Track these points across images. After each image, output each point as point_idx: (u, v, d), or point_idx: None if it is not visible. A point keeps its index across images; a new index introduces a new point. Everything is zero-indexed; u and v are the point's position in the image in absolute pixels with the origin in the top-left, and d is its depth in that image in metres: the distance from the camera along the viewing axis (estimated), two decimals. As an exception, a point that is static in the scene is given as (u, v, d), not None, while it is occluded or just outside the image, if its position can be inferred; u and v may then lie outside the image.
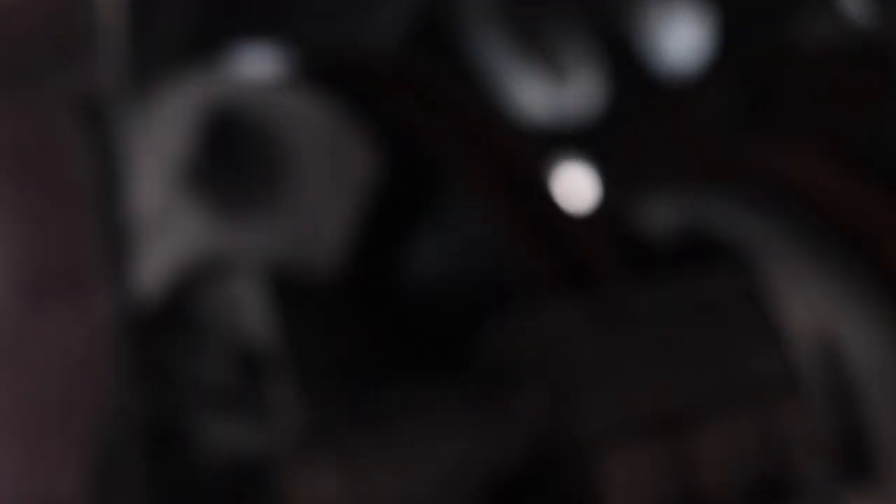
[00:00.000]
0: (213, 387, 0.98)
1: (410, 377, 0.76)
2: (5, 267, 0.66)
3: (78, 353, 0.69)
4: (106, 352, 0.70)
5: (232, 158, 0.92)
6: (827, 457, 0.75)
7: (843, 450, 0.81)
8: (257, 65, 0.96)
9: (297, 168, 0.88)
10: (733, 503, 0.71)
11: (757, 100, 1.34)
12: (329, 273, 0.86)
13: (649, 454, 0.67)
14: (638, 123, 1.46)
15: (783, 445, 0.72)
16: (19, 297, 0.66)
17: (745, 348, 0.72)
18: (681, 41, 1.50)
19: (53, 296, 0.67)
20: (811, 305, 1.14)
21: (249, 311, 0.92)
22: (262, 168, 0.90)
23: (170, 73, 0.98)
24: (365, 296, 0.87)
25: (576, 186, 1.58)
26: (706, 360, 0.70)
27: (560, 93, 1.62)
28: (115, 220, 0.75)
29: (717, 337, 0.71)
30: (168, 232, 0.98)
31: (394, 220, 0.86)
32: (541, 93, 1.62)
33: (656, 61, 1.49)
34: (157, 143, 0.97)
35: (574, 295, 0.75)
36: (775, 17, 1.40)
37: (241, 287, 0.93)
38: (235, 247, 0.92)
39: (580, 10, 1.54)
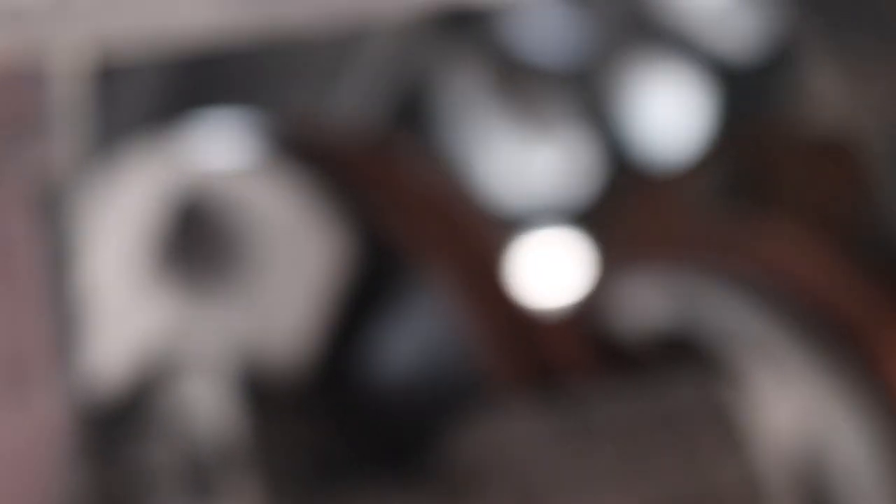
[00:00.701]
0: (166, 482, 0.97)
1: (374, 474, 0.76)
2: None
3: (21, 448, 0.67)
4: (51, 446, 0.68)
5: (196, 243, 0.91)
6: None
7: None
8: (224, 140, 0.96)
9: (262, 254, 0.88)
10: None
11: (744, 183, 1.35)
12: (292, 364, 0.85)
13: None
14: (627, 207, 1.46)
15: None
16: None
17: (707, 461, 0.71)
18: (670, 123, 1.51)
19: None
20: (796, 404, 1.13)
21: (205, 407, 0.91)
22: (227, 254, 0.90)
23: (136, 141, 0.98)
24: (329, 389, 0.87)
25: (553, 274, 1.59)
26: (667, 471, 0.69)
27: (549, 172, 1.63)
28: (63, 309, 0.74)
29: (680, 448, 0.70)
30: (128, 317, 0.97)
31: (358, 310, 0.85)
32: (529, 170, 1.62)
33: (645, 144, 1.50)
34: (119, 225, 0.96)
35: (539, 396, 0.74)
36: (761, 100, 1.42)
37: (198, 383, 0.92)
38: (198, 335, 0.92)
39: (571, 94, 1.55)
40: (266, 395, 0.87)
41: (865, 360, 1.15)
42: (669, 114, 1.51)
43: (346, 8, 0.51)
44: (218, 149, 0.95)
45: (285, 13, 0.51)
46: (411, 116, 1.63)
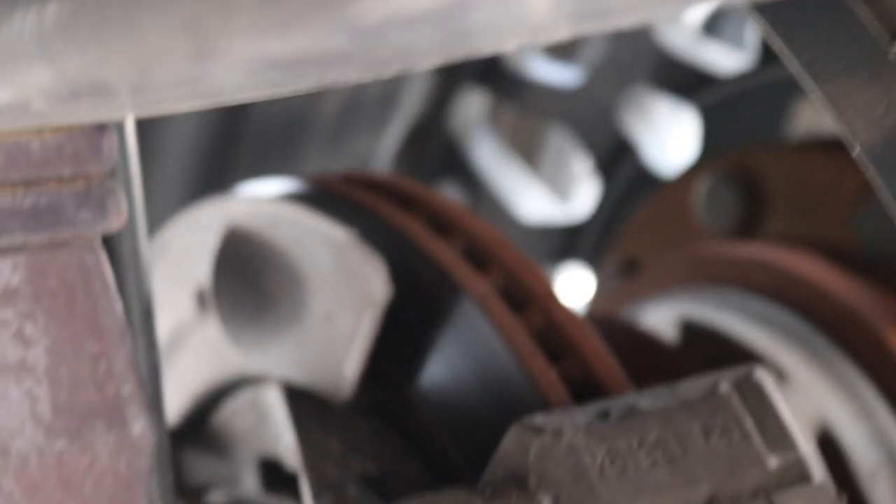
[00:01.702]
0: (240, 499, 1.00)
1: (428, 491, 0.77)
2: (50, 400, 0.69)
3: (122, 481, 0.71)
4: (146, 477, 0.72)
5: (248, 279, 0.93)
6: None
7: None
8: (266, 190, 0.98)
9: (311, 288, 0.90)
10: None
11: (748, 196, 1.35)
12: (346, 391, 0.88)
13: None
14: (633, 222, 1.48)
15: None
16: (63, 429, 0.69)
17: (753, 451, 0.73)
18: (674, 140, 1.52)
19: (95, 426, 0.70)
20: (809, 400, 1.16)
21: (273, 427, 0.93)
22: (278, 288, 0.92)
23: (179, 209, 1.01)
24: (381, 412, 0.89)
25: (576, 291, 1.61)
26: (714, 466, 0.71)
27: (562, 198, 1.64)
28: (147, 348, 0.78)
29: (724, 441, 0.73)
30: (188, 354, 1.00)
31: (405, 336, 0.88)
32: (542, 198, 1.64)
33: (651, 161, 1.51)
34: (176, 267, 0.99)
35: (583, 405, 0.76)
36: (764, 116, 1.42)
37: (264, 404, 0.95)
38: (254, 368, 0.94)
39: (577, 114, 1.56)
40: (322, 420, 0.89)
41: (866, 355, 1.17)
42: (678, 128, 1.52)
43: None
44: (261, 194, 0.97)
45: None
46: (439, 155, 1.65)
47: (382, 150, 1.63)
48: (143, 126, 0.85)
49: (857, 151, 1.07)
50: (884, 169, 1.08)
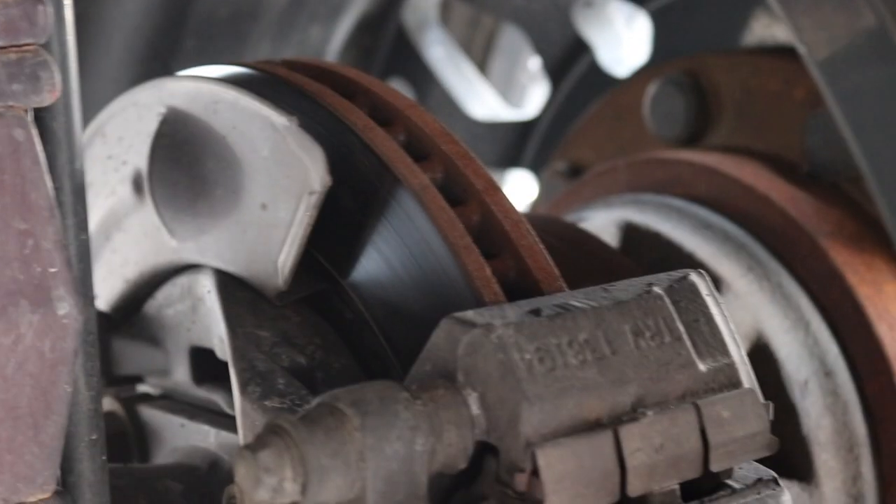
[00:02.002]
0: (171, 390, 1.00)
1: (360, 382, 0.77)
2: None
3: (45, 362, 0.70)
4: (70, 359, 0.71)
5: (185, 165, 0.92)
6: (766, 454, 0.76)
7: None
8: (207, 73, 0.96)
9: (248, 175, 0.88)
10: (664, 500, 0.72)
11: (697, 102, 1.35)
12: (280, 281, 0.87)
13: (583, 449, 0.69)
14: (581, 126, 1.48)
15: (721, 443, 0.73)
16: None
17: (682, 354, 0.73)
18: (627, 42, 1.52)
19: (20, 305, 0.69)
20: (746, 309, 1.16)
21: (206, 316, 0.93)
22: (215, 175, 0.90)
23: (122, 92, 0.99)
24: (314, 304, 0.88)
25: (521, 193, 1.60)
26: (643, 368, 0.71)
27: (511, 98, 1.64)
28: (77, 229, 0.77)
29: (654, 343, 0.72)
30: (124, 239, 0.99)
31: (341, 227, 0.87)
32: (491, 98, 1.63)
33: (604, 63, 1.50)
34: (114, 149, 0.97)
35: (516, 302, 0.76)
36: (718, 23, 1.41)
37: (198, 292, 0.94)
38: (189, 255, 0.93)
39: (530, 14, 1.55)
40: (254, 309, 0.88)
41: (804, 266, 1.17)
42: (629, 32, 1.52)
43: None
44: (202, 77, 0.95)
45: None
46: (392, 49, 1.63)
47: (334, 43, 1.61)
48: (86, 2, 0.83)
49: (811, 64, 1.07)
50: (835, 82, 1.08)
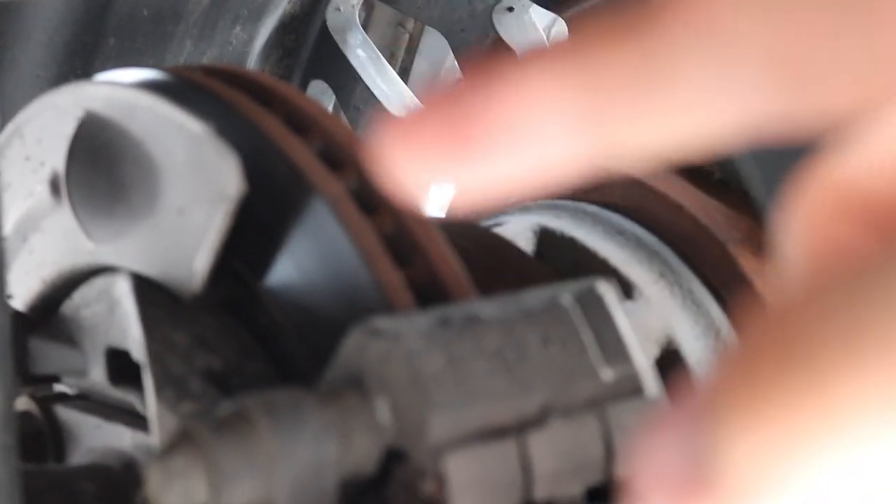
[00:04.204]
0: (87, 390, 1.00)
1: (273, 387, 0.78)
2: None
3: None
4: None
5: (102, 168, 0.92)
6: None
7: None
8: (125, 78, 0.97)
9: (165, 180, 0.89)
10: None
11: None
12: (196, 285, 0.87)
13: (490, 456, 0.70)
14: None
15: (625, 450, 0.75)
16: None
17: (588, 362, 0.74)
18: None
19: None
20: (657, 315, 1.18)
21: (122, 318, 0.93)
22: (131, 179, 0.91)
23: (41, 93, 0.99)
24: (230, 308, 0.89)
25: (444, 193, 1.61)
26: (550, 376, 0.72)
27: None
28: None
29: (561, 352, 0.74)
30: (41, 240, 0.99)
31: (257, 233, 0.88)
32: (412, 101, 1.63)
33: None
34: (31, 151, 0.98)
35: (426, 310, 0.77)
36: None
37: (114, 295, 0.94)
38: (106, 258, 0.93)
39: (451, 19, 1.56)
40: (169, 314, 0.89)
41: (715, 273, 1.19)
42: None
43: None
44: (119, 82, 0.96)
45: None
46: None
47: (257, 44, 1.61)
48: (3, 3, 0.83)
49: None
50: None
